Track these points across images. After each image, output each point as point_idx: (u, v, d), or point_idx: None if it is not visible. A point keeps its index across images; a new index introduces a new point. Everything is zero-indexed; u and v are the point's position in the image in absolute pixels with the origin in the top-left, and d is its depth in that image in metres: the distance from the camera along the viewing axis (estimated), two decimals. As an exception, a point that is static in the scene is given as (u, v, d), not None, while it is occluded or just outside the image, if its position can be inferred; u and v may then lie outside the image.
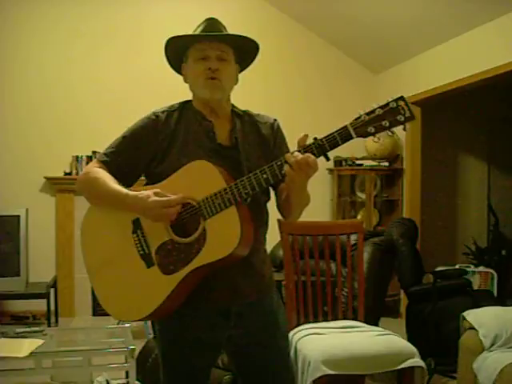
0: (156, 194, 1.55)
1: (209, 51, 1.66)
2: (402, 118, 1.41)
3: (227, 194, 1.51)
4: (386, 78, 5.64)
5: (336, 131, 1.45)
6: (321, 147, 1.46)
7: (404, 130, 1.44)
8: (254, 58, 1.79)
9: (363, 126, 1.43)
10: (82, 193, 1.71)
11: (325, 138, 1.46)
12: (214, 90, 1.66)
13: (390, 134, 1.44)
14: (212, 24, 1.71)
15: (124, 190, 1.61)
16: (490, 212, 6.10)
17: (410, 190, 5.31)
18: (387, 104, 1.41)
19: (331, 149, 1.46)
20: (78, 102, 5.23)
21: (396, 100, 1.41)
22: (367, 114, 1.43)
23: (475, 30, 4.26)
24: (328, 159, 1.49)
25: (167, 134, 1.67)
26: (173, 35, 1.69)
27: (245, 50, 1.74)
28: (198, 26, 1.72)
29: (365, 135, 1.44)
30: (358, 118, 1.43)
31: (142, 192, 1.58)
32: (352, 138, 1.44)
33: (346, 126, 1.44)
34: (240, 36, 1.68)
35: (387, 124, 1.41)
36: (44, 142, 5.17)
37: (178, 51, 1.73)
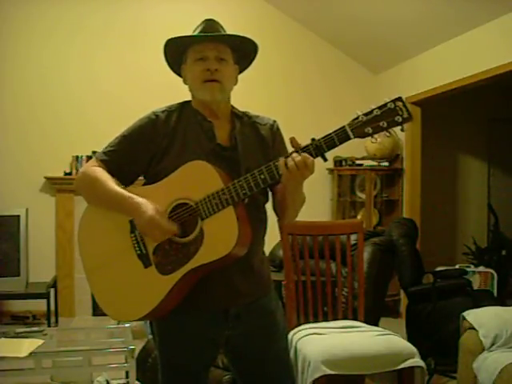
0: (156, 211, 1.55)
1: (207, 52, 1.65)
2: (400, 119, 1.40)
3: (225, 194, 1.51)
4: (386, 78, 5.64)
5: (334, 132, 1.44)
6: (318, 148, 1.46)
7: (402, 130, 1.43)
8: (253, 59, 1.78)
9: (361, 127, 1.42)
10: (80, 192, 1.71)
11: (322, 138, 1.45)
12: (213, 91, 1.66)
13: (387, 134, 1.43)
14: (210, 25, 1.71)
15: (123, 193, 1.61)
16: (489, 212, 6.09)
17: (410, 190, 5.30)
18: (385, 105, 1.41)
19: (329, 149, 1.46)
20: (77, 102, 5.23)
21: (394, 101, 1.40)
22: (365, 114, 1.42)
23: (475, 29, 4.25)
24: (325, 160, 1.49)
25: (167, 134, 1.66)
26: (171, 36, 1.69)
27: (243, 51, 1.74)
28: (197, 27, 1.72)
29: (362, 136, 1.43)
30: (356, 118, 1.43)
31: (143, 202, 1.57)
32: (350, 138, 1.44)
33: (343, 127, 1.43)
34: (238, 36, 1.68)
35: (385, 125, 1.41)
36: (44, 142, 5.17)
37: (177, 52, 1.72)
